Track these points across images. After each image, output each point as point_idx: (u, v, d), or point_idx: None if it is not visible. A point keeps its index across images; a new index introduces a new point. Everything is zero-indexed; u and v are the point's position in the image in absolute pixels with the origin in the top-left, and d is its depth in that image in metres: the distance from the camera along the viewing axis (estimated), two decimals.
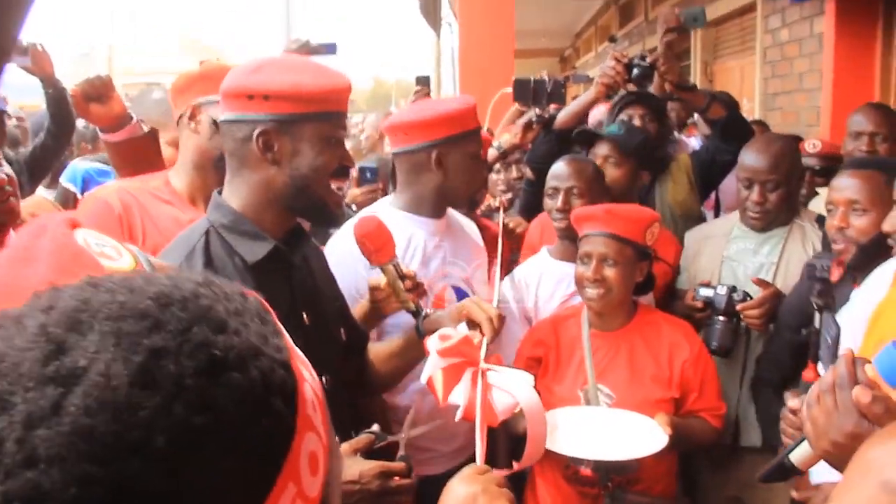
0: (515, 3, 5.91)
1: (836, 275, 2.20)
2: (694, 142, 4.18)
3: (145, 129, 2.57)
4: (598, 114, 3.58)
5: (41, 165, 3.79)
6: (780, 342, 2.53)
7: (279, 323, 0.63)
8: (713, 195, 3.72)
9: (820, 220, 2.63)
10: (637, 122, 3.23)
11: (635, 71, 3.09)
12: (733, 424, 2.66)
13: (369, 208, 2.44)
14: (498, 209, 3.18)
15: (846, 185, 2.25)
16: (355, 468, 1.56)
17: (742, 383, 2.67)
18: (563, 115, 3.24)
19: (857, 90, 4.72)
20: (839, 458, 1.11)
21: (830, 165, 3.37)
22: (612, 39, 6.52)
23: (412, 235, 2.32)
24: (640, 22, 9.72)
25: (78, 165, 3.49)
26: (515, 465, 1.75)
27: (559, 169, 2.74)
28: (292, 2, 18.35)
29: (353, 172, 3.33)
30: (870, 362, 1.12)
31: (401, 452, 1.67)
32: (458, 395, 1.59)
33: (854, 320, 1.99)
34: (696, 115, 3.80)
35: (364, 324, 2.07)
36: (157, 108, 3.18)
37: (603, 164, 2.90)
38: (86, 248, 0.94)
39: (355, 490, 1.54)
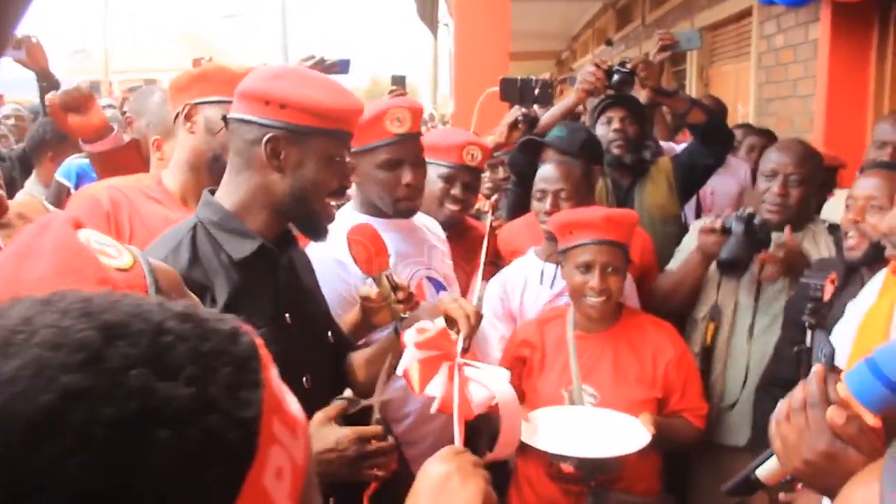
0: (512, 5, 5.92)
1: (828, 294, 2.21)
2: (678, 147, 4.22)
3: (126, 138, 2.56)
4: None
5: (32, 157, 3.78)
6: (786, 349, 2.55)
7: (270, 371, 0.55)
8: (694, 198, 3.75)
9: (832, 227, 2.66)
10: (617, 124, 3.26)
11: (615, 77, 3.14)
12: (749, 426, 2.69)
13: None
14: (487, 211, 3.19)
15: (867, 183, 2.25)
16: (331, 436, 1.57)
17: (744, 385, 2.68)
18: (546, 120, 3.28)
19: (851, 97, 4.74)
20: (811, 476, 1.12)
21: None
22: (609, 43, 6.56)
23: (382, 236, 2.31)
24: (637, 26, 9.73)
25: (72, 161, 3.49)
26: (488, 455, 1.75)
27: (547, 171, 2.75)
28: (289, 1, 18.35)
29: None
30: (841, 380, 1.12)
31: (376, 416, 1.67)
32: (435, 388, 1.59)
33: (844, 331, 2.00)
34: None
35: (353, 334, 2.06)
36: (159, 110, 3.18)
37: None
38: (86, 247, 0.96)
39: (333, 458, 1.55)
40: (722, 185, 4.16)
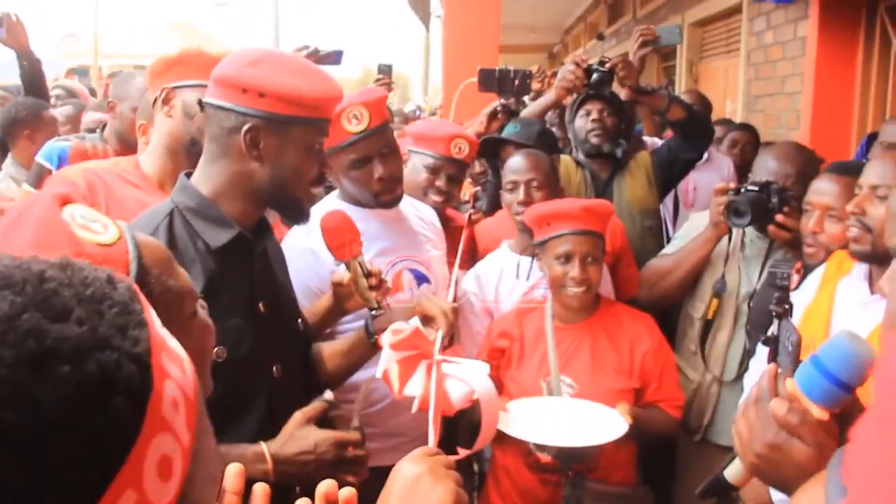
0: None
1: (794, 282, 2.23)
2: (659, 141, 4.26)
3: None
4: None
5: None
6: (755, 344, 2.54)
7: (150, 312, 0.58)
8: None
9: None
10: (595, 115, 3.28)
11: (594, 76, 3.16)
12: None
13: (322, 201, 2.44)
14: (467, 202, 3.20)
15: (825, 189, 2.26)
16: (310, 438, 1.58)
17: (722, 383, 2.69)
18: (525, 115, 3.32)
19: (837, 94, 4.77)
20: (763, 470, 1.14)
21: None
22: (601, 37, 6.56)
23: (362, 226, 2.30)
24: (629, 20, 9.74)
25: (54, 144, 3.48)
26: (464, 451, 1.76)
27: (517, 163, 2.75)
28: None
29: None
30: (791, 376, 1.15)
31: (354, 423, 1.68)
32: (414, 387, 1.60)
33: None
34: None
35: (324, 319, 2.06)
36: (140, 94, 3.18)
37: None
38: (68, 223, 1.00)
39: (311, 460, 1.57)
40: (705, 180, 4.18)
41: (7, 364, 0.45)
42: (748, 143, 4.57)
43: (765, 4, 5.51)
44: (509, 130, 3.12)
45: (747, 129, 4.77)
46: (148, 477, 0.50)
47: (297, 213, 1.74)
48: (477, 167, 3.72)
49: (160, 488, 0.51)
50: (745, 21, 6.01)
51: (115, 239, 1.04)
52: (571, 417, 2.21)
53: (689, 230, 2.87)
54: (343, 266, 1.95)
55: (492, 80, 3.33)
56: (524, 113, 3.35)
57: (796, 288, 2.21)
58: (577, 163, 3.33)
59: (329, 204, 2.32)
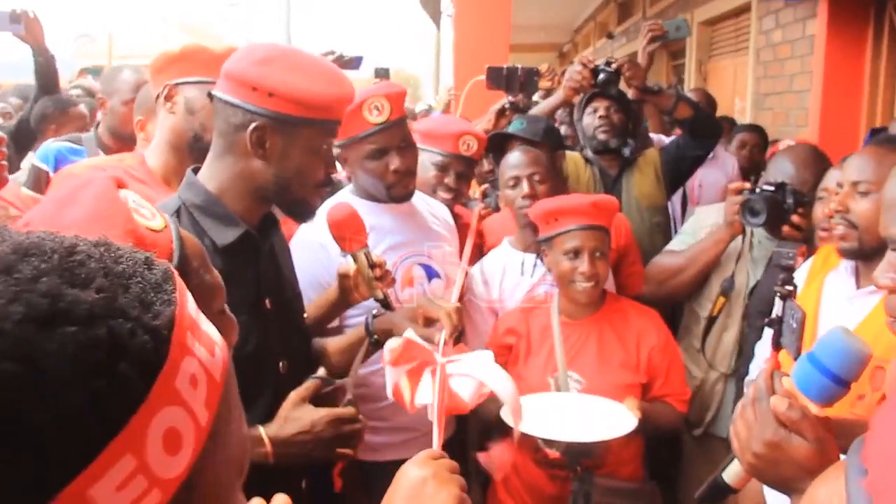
0: None
1: (800, 263, 2.24)
2: (667, 139, 4.29)
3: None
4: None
5: (28, 136, 3.81)
6: (752, 332, 2.56)
7: (186, 296, 0.59)
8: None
9: None
10: (602, 112, 3.31)
11: (601, 76, 3.19)
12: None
13: (334, 196, 2.46)
14: (477, 198, 3.23)
15: (858, 164, 2.13)
16: (306, 418, 1.59)
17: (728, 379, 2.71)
18: (532, 115, 3.32)
19: (846, 92, 4.77)
20: (762, 469, 1.15)
21: None
22: (610, 36, 6.57)
23: (374, 221, 2.31)
24: (639, 19, 9.73)
25: (50, 145, 3.50)
26: (513, 431, 1.77)
27: (515, 158, 2.75)
28: None
29: None
30: (788, 376, 1.16)
31: (348, 397, 1.69)
32: (424, 396, 1.60)
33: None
34: None
35: (329, 311, 2.07)
36: (128, 87, 3.21)
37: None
38: (122, 200, 1.03)
39: (308, 440, 1.58)
40: (710, 177, 4.21)
41: (14, 320, 0.47)
42: (756, 145, 4.60)
43: (774, 3, 5.52)
44: (515, 126, 3.14)
45: (756, 130, 4.78)
46: (152, 446, 0.50)
47: (302, 212, 1.73)
48: (486, 165, 3.75)
49: (166, 460, 0.51)
50: (753, 19, 6.02)
51: (162, 226, 1.07)
52: (580, 413, 2.21)
53: (695, 225, 2.87)
54: (349, 258, 1.96)
55: (500, 78, 3.37)
56: (533, 112, 3.38)
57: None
58: (586, 160, 3.35)
59: (341, 198, 2.34)
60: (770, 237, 2.66)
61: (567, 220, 2.40)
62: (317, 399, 1.65)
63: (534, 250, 2.65)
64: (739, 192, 2.58)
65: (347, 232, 1.92)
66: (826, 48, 4.81)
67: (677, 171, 3.39)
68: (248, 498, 0.72)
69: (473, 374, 1.63)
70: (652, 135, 4.38)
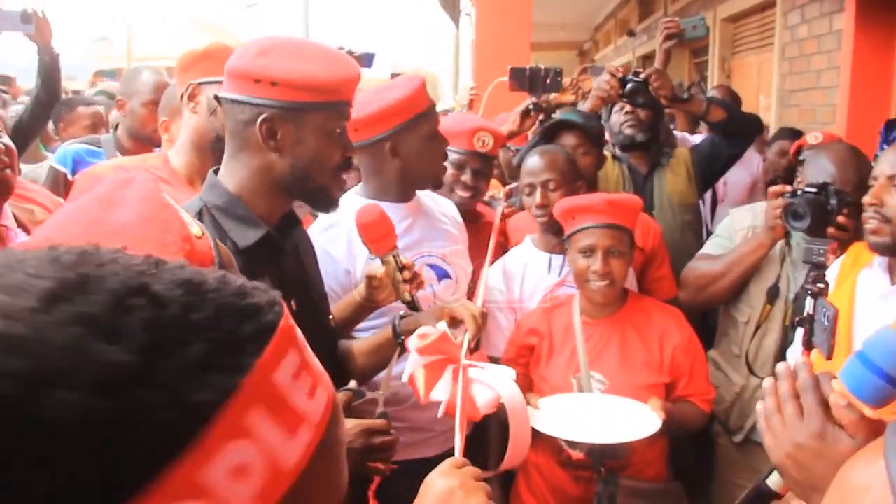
0: None
1: (831, 260, 2.18)
2: (694, 138, 4.25)
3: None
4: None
5: (28, 133, 3.82)
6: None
7: (280, 359, 0.51)
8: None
9: None
10: (628, 108, 3.29)
11: (629, 86, 3.16)
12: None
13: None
14: (500, 198, 3.19)
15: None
16: None
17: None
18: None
19: (874, 88, 4.69)
20: (800, 462, 1.09)
21: None
22: (631, 33, 6.53)
23: None
24: (660, 16, 9.66)
25: (68, 147, 3.51)
26: (501, 467, 1.74)
27: (532, 163, 2.71)
28: None
29: None
30: (836, 377, 1.10)
31: (380, 409, 1.67)
32: (440, 392, 1.59)
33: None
34: None
35: (355, 314, 2.05)
36: (148, 88, 3.21)
37: (573, 153, 2.89)
38: (172, 203, 1.00)
39: None
40: (735, 176, 4.16)
41: (10, 377, 0.41)
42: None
43: None
44: (571, 118, 3.08)
45: (797, 136, 4.65)
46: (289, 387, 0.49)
47: (324, 201, 1.71)
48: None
49: (307, 403, 0.51)
50: (779, 15, 5.94)
51: (201, 233, 1.06)
52: (603, 414, 2.20)
53: (731, 228, 2.80)
54: (377, 260, 1.94)
55: (523, 79, 3.33)
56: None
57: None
58: (615, 157, 3.33)
59: (350, 200, 2.31)
60: (808, 239, 2.59)
61: (583, 218, 2.38)
62: (348, 411, 1.62)
63: (558, 251, 2.62)
64: (780, 194, 2.50)
65: (377, 234, 1.90)
66: (854, 43, 4.73)
67: (711, 169, 3.37)
68: None
69: (493, 386, 1.62)
70: (677, 133, 4.34)
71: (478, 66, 5.97)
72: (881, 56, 4.69)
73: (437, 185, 2.43)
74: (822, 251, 2.22)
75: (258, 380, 0.47)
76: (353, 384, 1.68)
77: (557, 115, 3.38)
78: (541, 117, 3.30)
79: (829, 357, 1.91)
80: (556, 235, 2.55)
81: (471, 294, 2.45)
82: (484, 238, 2.60)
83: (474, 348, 1.77)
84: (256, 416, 0.47)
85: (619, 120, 3.33)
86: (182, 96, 2.22)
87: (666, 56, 3.42)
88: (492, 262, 2.55)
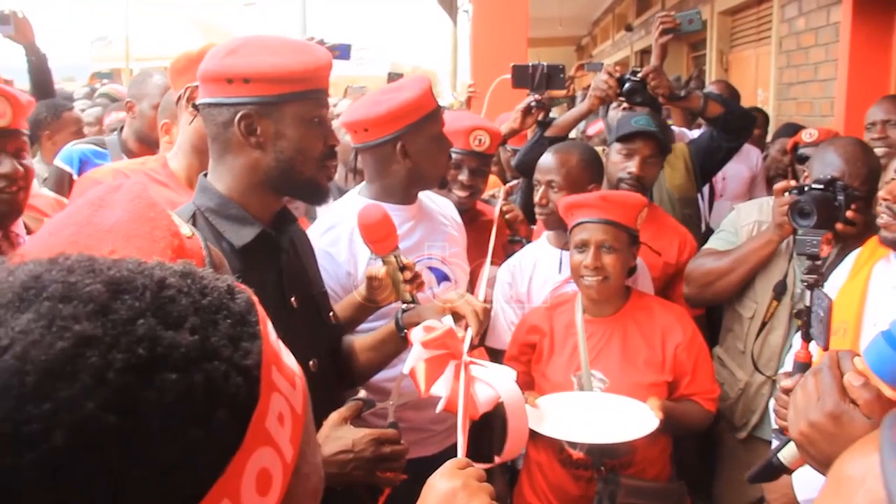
0: None
1: (825, 252, 2.18)
2: (692, 133, 4.25)
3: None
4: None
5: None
6: None
7: (267, 325, 0.58)
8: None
9: None
10: (626, 104, 3.30)
11: (626, 85, 3.16)
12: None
13: (342, 198, 2.43)
14: (502, 196, 3.20)
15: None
16: (347, 437, 1.56)
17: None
18: (560, 122, 3.31)
19: (872, 81, 4.68)
20: (813, 439, 1.10)
21: None
22: (629, 28, 6.53)
23: None
24: (658, 11, 9.66)
25: (74, 147, 3.50)
26: (497, 459, 1.74)
27: (544, 161, 2.73)
28: None
29: None
30: (858, 355, 1.10)
31: (390, 419, 1.67)
32: (441, 387, 1.59)
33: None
34: None
35: (357, 314, 2.05)
36: (158, 91, 3.20)
37: (640, 161, 2.86)
38: (159, 203, 1.01)
39: (349, 459, 1.54)
40: (734, 170, 4.16)
41: (116, 368, 0.46)
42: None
43: None
44: (645, 124, 2.97)
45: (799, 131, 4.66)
46: (246, 490, 0.50)
47: (314, 193, 1.71)
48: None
49: (258, 501, 0.51)
50: (776, 8, 5.94)
51: (191, 234, 1.07)
52: (602, 413, 2.19)
53: (737, 223, 2.79)
54: (378, 260, 1.95)
55: (525, 77, 3.32)
56: (557, 122, 3.35)
57: (827, 256, 2.15)
58: None
59: (353, 201, 2.32)
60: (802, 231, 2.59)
61: (579, 213, 2.38)
62: (358, 421, 1.62)
63: (568, 247, 2.62)
64: (786, 191, 2.47)
65: (380, 235, 1.90)
66: (851, 35, 4.73)
67: (709, 163, 3.38)
68: None
69: (493, 385, 1.61)
70: (674, 129, 4.34)
71: (475, 62, 5.96)
72: (879, 48, 4.69)
73: (442, 185, 2.43)
74: (815, 242, 2.21)
75: (267, 342, 0.56)
76: (362, 393, 1.69)
77: (554, 111, 3.39)
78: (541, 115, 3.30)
79: (825, 347, 1.91)
80: (563, 231, 2.55)
81: (471, 292, 2.46)
82: (484, 236, 2.60)
83: (478, 344, 1.76)
84: (276, 372, 0.56)
85: (616, 115, 3.35)
86: (179, 99, 2.21)
87: (662, 51, 3.42)
88: (493, 259, 2.55)
